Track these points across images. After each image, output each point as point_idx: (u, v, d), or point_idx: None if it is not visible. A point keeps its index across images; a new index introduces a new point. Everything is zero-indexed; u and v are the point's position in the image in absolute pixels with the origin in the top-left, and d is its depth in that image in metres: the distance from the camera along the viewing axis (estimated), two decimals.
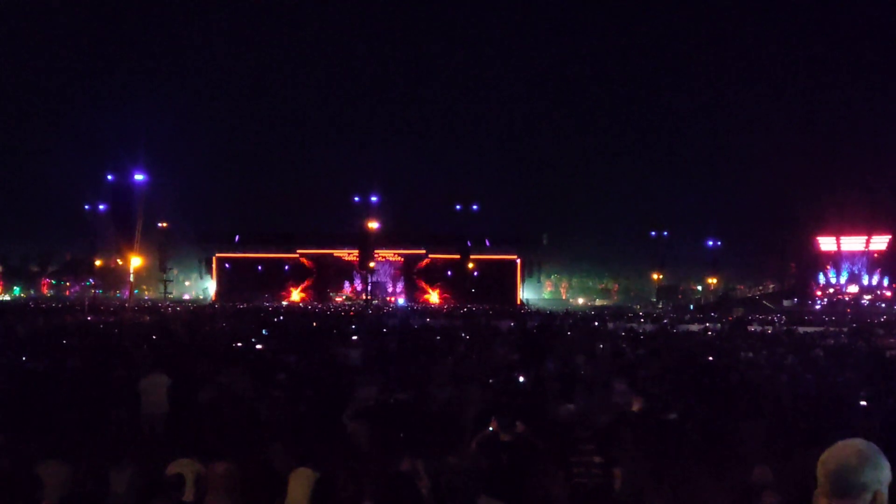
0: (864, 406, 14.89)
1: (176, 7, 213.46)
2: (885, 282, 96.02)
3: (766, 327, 43.94)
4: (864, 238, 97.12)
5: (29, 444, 11.28)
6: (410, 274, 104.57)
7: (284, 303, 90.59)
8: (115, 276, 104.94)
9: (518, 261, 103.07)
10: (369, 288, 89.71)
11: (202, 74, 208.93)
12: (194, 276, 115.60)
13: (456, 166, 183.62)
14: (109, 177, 77.39)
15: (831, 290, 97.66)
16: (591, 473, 8.55)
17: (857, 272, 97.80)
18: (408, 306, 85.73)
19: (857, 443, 3.08)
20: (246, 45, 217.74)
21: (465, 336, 30.51)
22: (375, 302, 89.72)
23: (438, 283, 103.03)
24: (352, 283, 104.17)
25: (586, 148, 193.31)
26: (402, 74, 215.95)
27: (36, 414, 14.75)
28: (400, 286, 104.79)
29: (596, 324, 44.48)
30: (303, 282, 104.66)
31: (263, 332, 32.94)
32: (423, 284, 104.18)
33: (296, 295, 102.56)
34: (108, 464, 9.09)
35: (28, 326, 33.29)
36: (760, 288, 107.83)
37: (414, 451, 9.73)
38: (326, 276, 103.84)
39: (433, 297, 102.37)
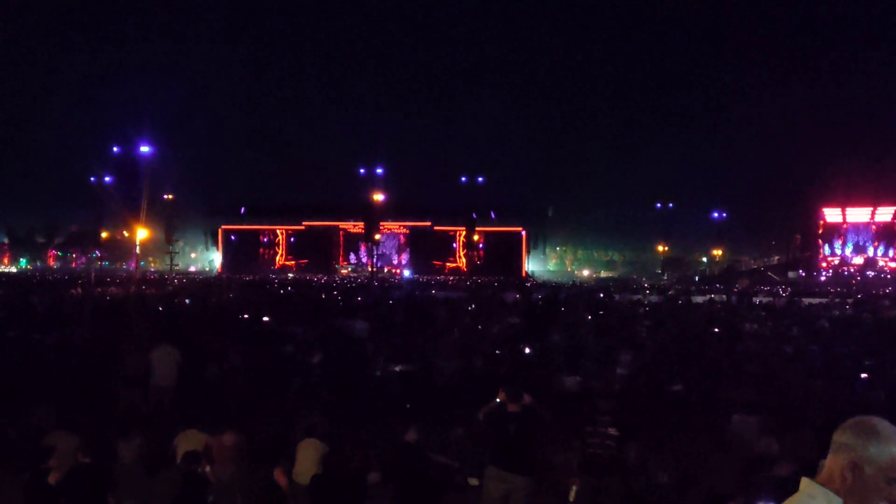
0: (868, 377, 14.93)
1: None
2: (891, 253, 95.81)
3: (773, 298, 43.96)
4: (869, 209, 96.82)
5: (38, 415, 11.37)
6: (416, 246, 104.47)
7: (290, 275, 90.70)
8: (121, 248, 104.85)
9: (523, 233, 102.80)
10: (375, 259, 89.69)
11: (207, 46, 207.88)
12: (200, 247, 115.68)
13: (461, 138, 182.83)
14: (115, 149, 77.45)
15: (836, 262, 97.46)
16: (606, 445, 8.61)
17: (862, 243, 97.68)
18: (413, 278, 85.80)
19: (872, 417, 3.05)
20: (251, 16, 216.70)
21: (471, 308, 30.54)
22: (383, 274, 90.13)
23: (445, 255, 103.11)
24: (357, 254, 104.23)
25: (592, 120, 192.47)
26: (407, 46, 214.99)
27: (45, 385, 14.85)
28: (405, 258, 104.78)
29: (601, 295, 44.50)
30: (306, 253, 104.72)
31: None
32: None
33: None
34: (117, 434, 9.16)
35: (37, 299, 33.40)
36: (765, 259, 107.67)
37: (421, 422, 9.80)
38: (332, 247, 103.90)
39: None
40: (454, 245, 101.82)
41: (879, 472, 2.93)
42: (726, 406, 13.97)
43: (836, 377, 15.38)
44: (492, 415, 8.82)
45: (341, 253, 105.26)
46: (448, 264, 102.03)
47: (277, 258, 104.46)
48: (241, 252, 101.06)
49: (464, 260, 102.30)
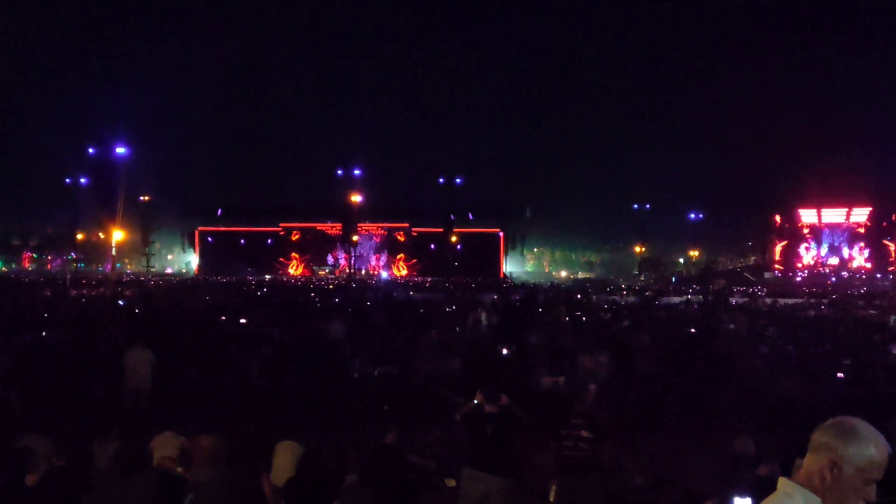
0: (843, 377, 15.03)
1: None
2: (866, 254, 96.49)
3: (747, 298, 44.21)
4: (844, 210, 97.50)
5: (13, 418, 11.29)
6: (393, 247, 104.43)
7: (267, 276, 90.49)
8: (97, 250, 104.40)
9: (501, 234, 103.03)
10: (353, 261, 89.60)
11: (185, 47, 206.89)
12: (177, 249, 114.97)
13: (439, 140, 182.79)
14: (91, 150, 77.05)
15: (812, 263, 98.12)
16: (580, 447, 8.60)
17: (837, 244, 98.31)
18: (391, 279, 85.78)
19: (852, 417, 3.07)
20: (229, 18, 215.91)
21: (449, 309, 30.58)
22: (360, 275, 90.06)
23: (416, 257, 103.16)
24: (335, 256, 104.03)
25: (569, 121, 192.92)
26: (385, 48, 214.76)
27: (20, 387, 14.75)
28: (383, 259, 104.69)
29: (579, 296, 44.57)
30: (288, 255, 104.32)
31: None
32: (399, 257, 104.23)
33: (292, 269, 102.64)
34: (92, 437, 9.10)
35: (11, 300, 33.18)
36: (742, 260, 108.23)
37: (399, 424, 9.78)
38: (309, 249, 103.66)
39: (401, 269, 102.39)
40: (432, 247, 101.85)
41: (858, 472, 2.95)
42: (702, 406, 14.06)
43: (811, 377, 15.47)
44: (469, 416, 8.83)
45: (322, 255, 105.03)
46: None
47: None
48: (219, 254, 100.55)
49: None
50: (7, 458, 7.25)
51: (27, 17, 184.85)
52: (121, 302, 33.37)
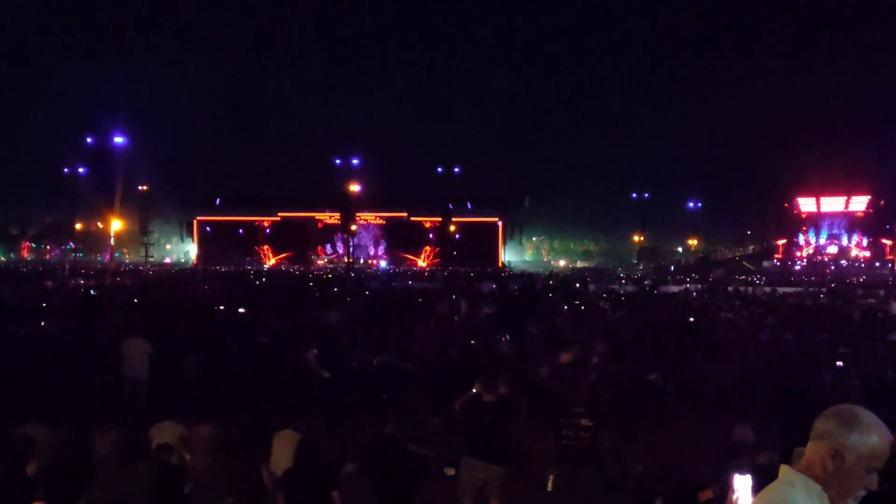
0: (842, 366, 15.02)
1: None
2: (864, 242, 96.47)
3: (745, 287, 44.18)
4: (843, 199, 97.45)
5: (13, 407, 11.28)
6: (392, 237, 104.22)
7: (266, 266, 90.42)
8: (95, 240, 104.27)
9: (499, 223, 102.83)
10: (351, 251, 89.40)
11: (182, 36, 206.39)
12: (175, 239, 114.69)
13: (438, 129, 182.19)
14: (89, 139, 76.92)
15: (811, 251, 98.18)
16: (579, 437, 8.61)
17: (836, 233, 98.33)
18: (389, 269, 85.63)
19: (854, 406, 3.06)
20: (226, 6, 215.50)
21: (447, 299, 30.54)
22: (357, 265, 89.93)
23: (420, 246, 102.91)
24: (333, 246, 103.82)
25: (568, 110, 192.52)
26: (383, 36, 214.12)
27: (19, 377, 14.76)
28: (381, 249, 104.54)
29: (577, 285, 44.49)
30: (283, 244, 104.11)
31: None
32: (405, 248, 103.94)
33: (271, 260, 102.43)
34: (92, 426, 9.11)
35: (10, 290, 33.15)
36: (741, 249, 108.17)
37: (398, 413, 9.79)
38: (307, 239, 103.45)
39: (419, 261, 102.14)
40: (430, 236, 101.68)
41: (860, 460, 2.94)
42: (701, 394, 14.06)
43: (810, 365, 15.47)
44: (468, 405, 8.83)
45: (319, 244, 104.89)
46: (414, 258, 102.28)
47: (263, 256, 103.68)
48: (217, 243, 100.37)
49: (426, 260, 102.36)
50: (8, 447, 7.26)
51: (26, 7, 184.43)
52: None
